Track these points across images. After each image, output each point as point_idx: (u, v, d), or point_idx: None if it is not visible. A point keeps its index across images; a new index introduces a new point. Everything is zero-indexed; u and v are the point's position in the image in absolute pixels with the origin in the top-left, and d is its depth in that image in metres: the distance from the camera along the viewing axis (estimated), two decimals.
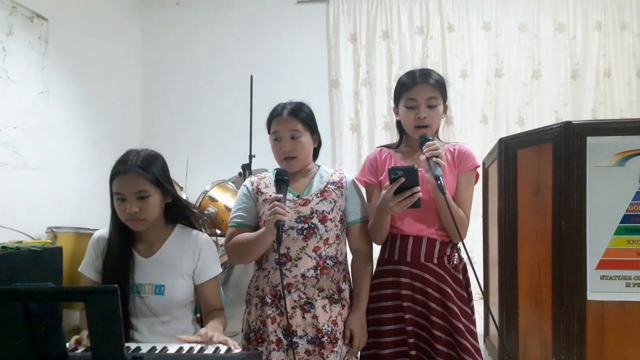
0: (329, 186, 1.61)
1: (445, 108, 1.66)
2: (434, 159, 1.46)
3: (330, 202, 1.58)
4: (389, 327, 1.59)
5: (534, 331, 2.18)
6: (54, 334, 1.04)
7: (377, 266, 1.69)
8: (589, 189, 1.97)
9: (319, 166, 1.70)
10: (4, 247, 2.27)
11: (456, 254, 1.61)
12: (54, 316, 1.04)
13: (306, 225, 1.54)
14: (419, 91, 1.59)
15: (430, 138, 1.55)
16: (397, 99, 1.68)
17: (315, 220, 1.54)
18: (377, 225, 1.58)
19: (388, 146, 1.76)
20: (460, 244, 1.62)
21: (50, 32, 3.32)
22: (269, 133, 1.65)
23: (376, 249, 1.70)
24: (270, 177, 1.67)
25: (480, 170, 1.68)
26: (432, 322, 1.54)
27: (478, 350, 1.55)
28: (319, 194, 1.59)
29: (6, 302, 1.02)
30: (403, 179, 1.40)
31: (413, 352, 1.55)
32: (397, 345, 1.59)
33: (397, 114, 1.70)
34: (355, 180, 1.69)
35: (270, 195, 1.58)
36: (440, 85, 1.62)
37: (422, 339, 1.57)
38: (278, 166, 1.69)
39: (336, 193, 1.61)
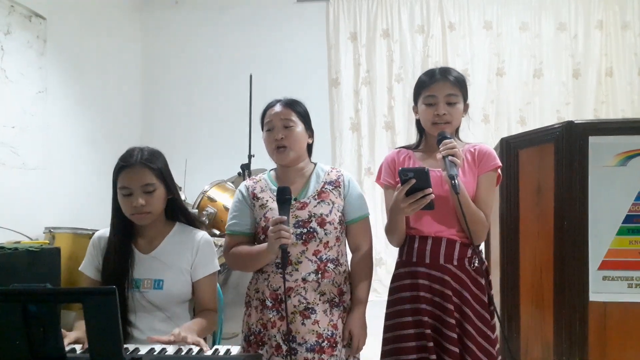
0: (326, 187, 1.58)
1: (466, 107, 1.63)
2: (449, 157, 1.43)
3: (328, 204, 1.56)
4: (410, 331, 1.54)
5: (536, 332, 2.17)
6: (52, 334, 1.04)
7: (395, 269, 1.65)
8: (591, 189, 1.96)
9: (315, 164, 1.67)
10: (1, 247, 2.26)
11: (477, 257, 1.56)
12: (52, 317, 1.04)
13: (305, 230, 1.51)
14: (438, 88, 1.56)
15: (449, 136, 1.51)
16: (416, 98, 1.65)
17: (314, 224, 1.52)
18: (392, 226, 1.56)
19: (407, 147, 1.73)
20: (482, 246, 1.58)
21: (48, 31, 3.31)
22: (262, 129, 1.62)
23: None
24: (265, 179, 1.64)
25: (501, 171, 1.63)
26: (448, 324, 1.50)
27: (490, 354, 1.51)
28: (316, 196, 1.56)
29: (4, 303, 1.02)
30: (413, 181, 1.39)
31: (433, 357, 1.50)
32: (420, 350, 1.53)
33: (416, 113, 1.66)
34: (352, 178, 1.67)
35: (267, 201, 1.57)
36: (460, 83, 1.59)
37: (437, 342, 1.53)
38: (276, 166, 1.67)
39: (334, 193, 1.58)
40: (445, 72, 1.59)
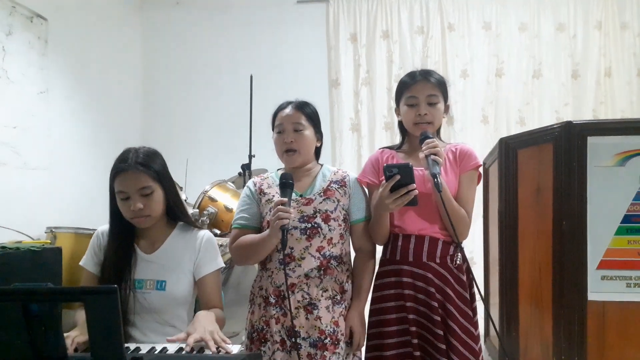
0: (332, 185, 1.61)
1: (447, 108, 1.68)
2: (432, 156, 1.47)
3: (334, 201, 1.58)
4: (392, 327, 1.58)
5: (535, 331, 2.17)
6: (53, 334, 1.04)
7: (379, 266, 1.68)
8: (590, 189, 1.97)
9: (321, 165, 1.70)
10: (3, 247, 2.26)
11: (459, 254, 1.60)
12: (53, 317, 1.04)
13: (309, 225, 1.54)
14: (420, 89, 1.61)
15: (430, 135, 1.56)
16: (398, 99, 1.70)
17: (318, 220, 1.54)
18: (376, 224, 1.59)
19: (390, 147, 1.77)
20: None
21: (50, 32, 3.31)
22: (273, 129, 1.65)
23: (379, 249, 1.70)
24: (273, 177, 1.67)
25: (481, 170, 1.69)
26: (435, 321, 1.53)
27: (473, 351, 1.54)
28: (322, 193, 1.59)
29: (6, 303, 1.02)
30: (398, 177, 1.41)
31: (417, 353, 1.54)
32: (401, 346, 1.58)
33: (398, 114, 1.71)
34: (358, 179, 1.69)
35: (273, 196, 1.59)
36: (440, 84, 1.64)
37: (425, 339, 1.56)
38: (278, 166, 1.70)
39: (339, 192, 1.60)
40: (426, 73, 1.65)
